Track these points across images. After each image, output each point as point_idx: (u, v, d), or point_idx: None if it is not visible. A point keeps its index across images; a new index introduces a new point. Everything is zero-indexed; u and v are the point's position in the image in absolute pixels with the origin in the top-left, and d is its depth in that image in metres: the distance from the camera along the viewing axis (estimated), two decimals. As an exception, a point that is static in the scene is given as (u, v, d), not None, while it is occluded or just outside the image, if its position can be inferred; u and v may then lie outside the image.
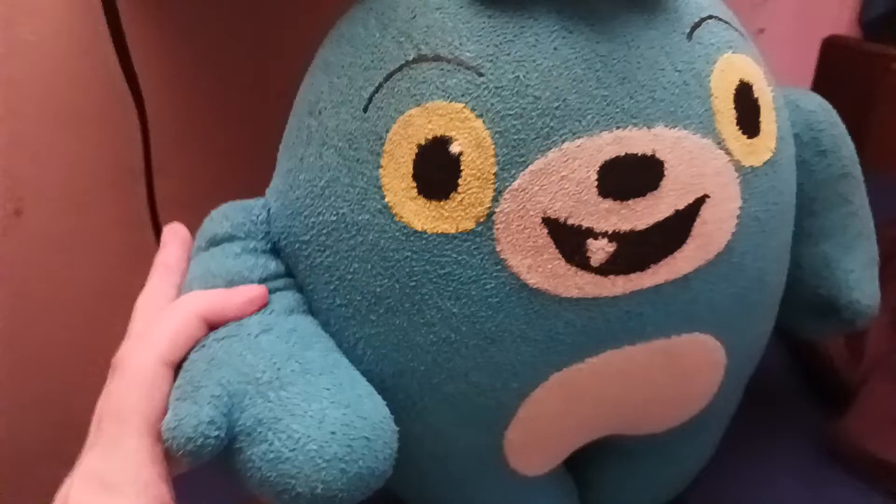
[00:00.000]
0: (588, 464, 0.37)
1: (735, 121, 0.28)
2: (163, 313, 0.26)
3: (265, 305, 0.26)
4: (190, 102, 0.44)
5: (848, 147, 0.36)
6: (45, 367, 0.44)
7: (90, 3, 0.36)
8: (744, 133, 0.28)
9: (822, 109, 0.35)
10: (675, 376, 0.30)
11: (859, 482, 0.42)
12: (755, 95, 0.29)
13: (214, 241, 0.28)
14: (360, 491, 0.23)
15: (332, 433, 0.22)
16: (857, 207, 0.37)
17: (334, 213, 0.26)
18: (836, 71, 0.80)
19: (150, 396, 0.24)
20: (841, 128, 0.36)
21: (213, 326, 0.26)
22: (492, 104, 0.24)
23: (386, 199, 0.25)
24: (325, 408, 0.23)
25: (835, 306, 0.36)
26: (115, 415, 0.24)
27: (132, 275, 0.44)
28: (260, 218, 0.28)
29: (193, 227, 0.46)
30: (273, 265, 0.28)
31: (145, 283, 0.29)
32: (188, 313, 0.25)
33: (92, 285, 0.44)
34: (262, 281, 0.27)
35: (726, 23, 0.29)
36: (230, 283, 0.26)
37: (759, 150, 0.29)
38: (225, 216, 0.29)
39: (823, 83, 0.81)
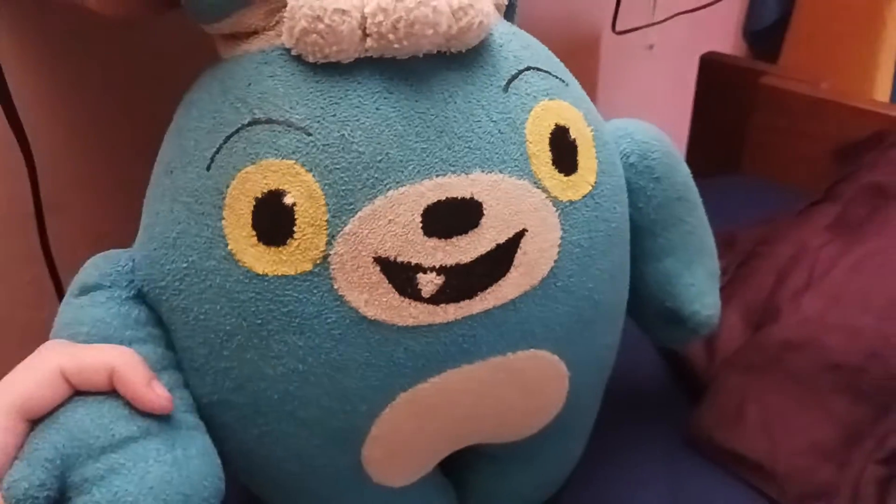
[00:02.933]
0: (463, 468, 0.39)
1: (551, 161, 0.30)
2: (27, 363, 0.26)
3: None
4: (80, 142, 0.45)
5: (681, 173, 0.39)
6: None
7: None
8: (560, 171, 0.31)
9: (654, 140, 0.38)
10: (520, 389, 0.33)
11: (721, 471, 0.45)
12: (572, 136, 0.31)
13: (84, 290, 0.29)
14: None
15: (151, 488, 0.25)
16: (693, 227, 0.40)
17: (185, 260, 0.27)
18: (714, 85, 0.86)
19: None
20: (675, 156, 0.39)
21: (71, 382, 0.26)
22: (320, 160, 0.26)
23: (229, 247, 0.26)
24: (148, 466, 0.25)
25: (680, 317, 0.39)
26: None
27: (30, 310, 0.44)
28: (126, 268, 0.30)
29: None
30: (135, 312, 0.29)
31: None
32: (50, 368, 0.25)
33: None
34: (123, 328, 0.28)
35: (546, 72, 0.32)
36: (92, 330, 0.27)
37: (578, 185, 0.32)
38: (95, 266, 0.30)
39: (703, 96, 0.87)
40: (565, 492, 0.44)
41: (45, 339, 0.31)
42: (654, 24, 0.78)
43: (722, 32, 1.15)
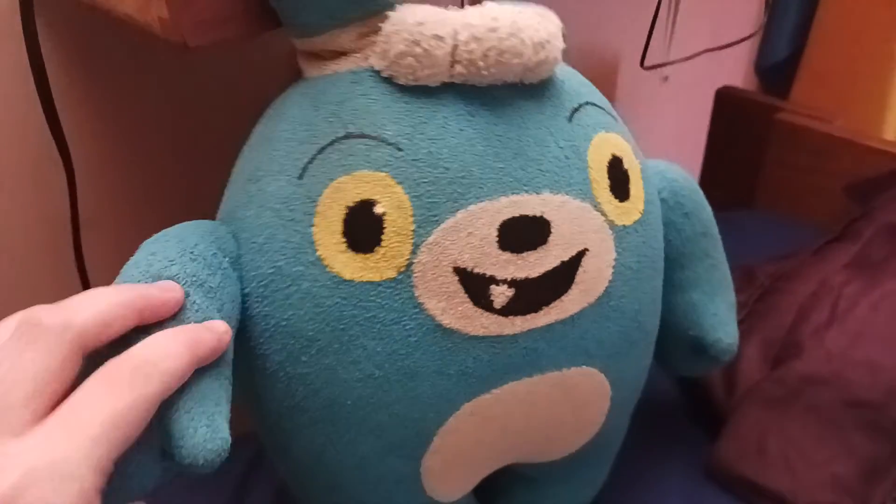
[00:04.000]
0: (496, 491, 0.43)
1: (609, 187, 0.35)
2: (88, 293, 0.26)
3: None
4: (118, 158, 0.48)
5: (706, 211, 0.44)
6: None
7: (19, 66, 0.40)
8: (616, 197, 0.36)
9: (683, 179, 0.44)
10: (570, 405, 0.37)
11: (740, 502, 0.50)
12: (625, 167, 0.37)
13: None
14: None
15: None
16: (717, 261, 0.45)
17: (271, 265, 0.31)
18: (728, 119, 0.94)
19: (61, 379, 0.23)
20: (700, 195, 0.44)
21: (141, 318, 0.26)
22: (409, 173, 0.30)
23: (318, 253, 0.30)
24: None
25: (703, 345, 0.44)
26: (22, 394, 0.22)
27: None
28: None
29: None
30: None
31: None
32: (114, 299, 0.25)
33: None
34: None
35: (601, 107, 0.37)
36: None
37: (630, 212, 0.37)
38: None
39: (718, 130, 0.94)
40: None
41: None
42: (677, 61, 0.85)
43: (734, 66, 1.24)
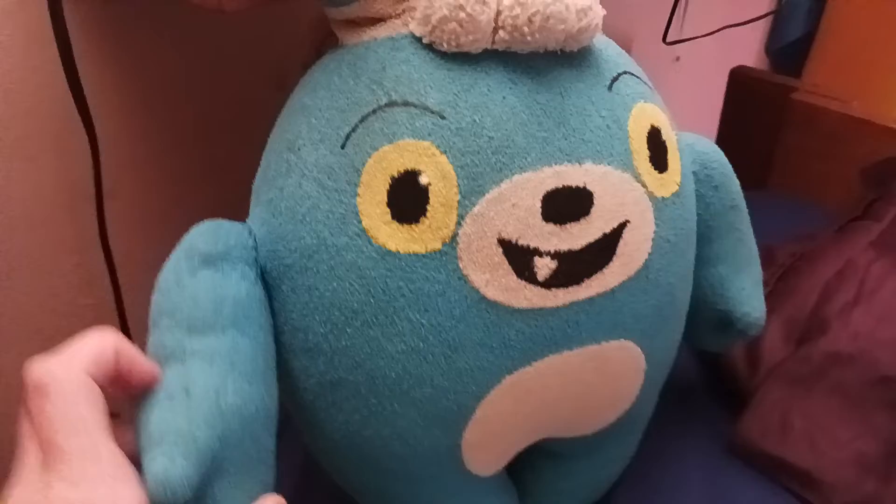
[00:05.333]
0: (525, 468, 0.43)
1: (648, 158, 0.35)
2: (82, 336, 0.27)
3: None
4: (140, 128, 0.48)
5: (735, 183, 0.44)
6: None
7: (44, 36, 0.39)
8: (656, 169, 0.35)
9: (713, 151, 0.43)
10: (605, 378, 0.37)
11: (762, 479, 0.51)
12: (663, 138, 0.36)
13: (208, 261, 0.31)
14: None
15: None
16: (743, 234, 0.45)
17: (315, 236, 0.31)
18: (742, 99, 0.94)
19: (95, 405, 0.25)
20: (729, 167, 0.44)
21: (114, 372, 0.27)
22: (454, 142, 0.30)
23: (363, 224, 0.30)
24: None
25: (730, 319, 0.45)
26: (71, 431, 0.24)
27: (78, 295, 0.47)
28: (249, 243, 0.32)
29: (144, 249, 0.49)
30: (262, 295, 0.32)
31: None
32: (105, 341, 0.26)
33: (43, 304, 0.46)
34: (259, 314, 0.31)
35: (638, 77, 0.37)
36: (230, 310, 0.30)
37: (668, 184, 0.36)
38: (214, 235, 0.31)
39: (732, 110, 0.94)
40: (612, 493, 0.48)
41: (91, 324, 0.32)
42: (696, 37, 0.85)
43: (746, 47, 1.23)
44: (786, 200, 0.85)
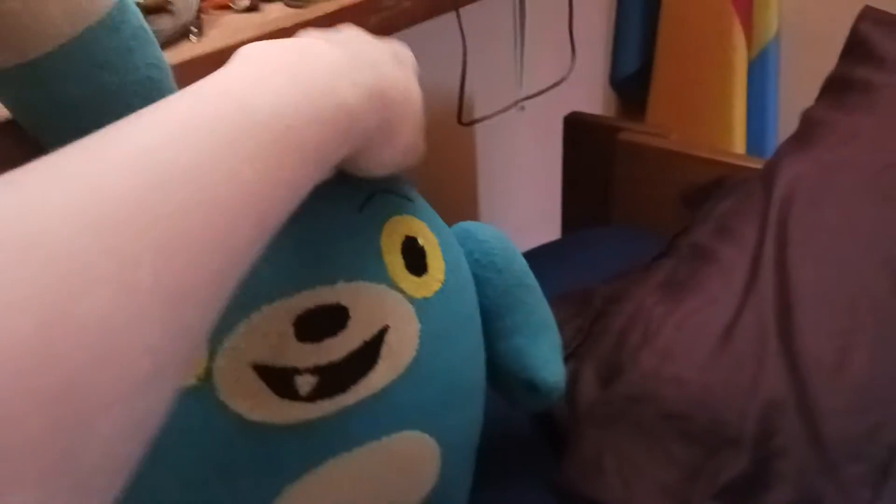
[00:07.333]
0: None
1: (405, 266, 0.39)
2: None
3: None
4: None
5: (518, 262, 0.49)
6: None
7: None
8: (413, 274, 0.40)
9: (493, 238, 0.49)
10: (396, 470, 0.40)
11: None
12: (420, 244, 0.41)
13: None
14: None
15: None
16: (533, 306, 0.50)
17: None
18: (578, 142, 1.02)
19: None
20: (511, 250, 0.49)
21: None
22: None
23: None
24: None
25: (534, 385, 0.50)
26: None
27: None
28: None
29: None
30: None
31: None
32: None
33: None
34: None
35: (393, 193, 0.41)
36: None
37: (430, 284, 0.41)
38: None
39: (571, 153, 1.02)
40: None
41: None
42: (511, 104, 0.92)
43: (589, 87, 1.33)
44: (627, 233, 0.93)
